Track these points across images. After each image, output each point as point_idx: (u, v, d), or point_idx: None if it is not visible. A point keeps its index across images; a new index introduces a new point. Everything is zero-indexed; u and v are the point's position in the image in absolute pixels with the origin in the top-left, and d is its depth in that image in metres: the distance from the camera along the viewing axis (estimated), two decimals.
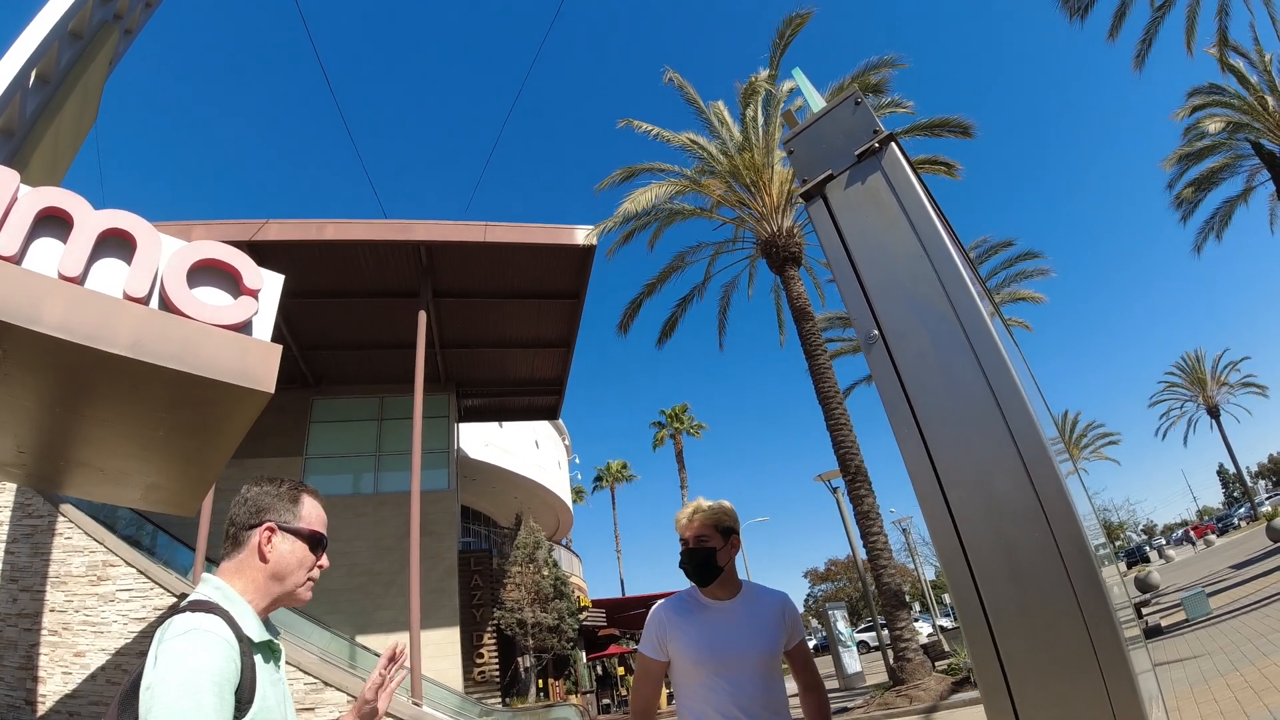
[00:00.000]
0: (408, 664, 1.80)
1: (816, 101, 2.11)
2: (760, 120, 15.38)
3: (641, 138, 15.50)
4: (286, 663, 1.47)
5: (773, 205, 15.27)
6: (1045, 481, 1.23)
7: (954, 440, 1.28)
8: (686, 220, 16.37)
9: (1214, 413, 46.37)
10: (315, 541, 1.52)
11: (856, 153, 1.69)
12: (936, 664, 14.22)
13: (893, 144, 1.72)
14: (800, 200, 15.46)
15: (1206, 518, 59.70)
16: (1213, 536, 42.09)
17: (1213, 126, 18.84)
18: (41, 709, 8.43)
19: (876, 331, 1.40)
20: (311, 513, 1.54)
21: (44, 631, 8.87)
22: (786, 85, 15.15)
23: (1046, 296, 23.46)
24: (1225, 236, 21.69)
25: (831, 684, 18.09)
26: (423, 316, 13.10)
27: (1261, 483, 67.13)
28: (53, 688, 8.57)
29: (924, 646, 15.14)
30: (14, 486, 9.56)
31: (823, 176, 1.67)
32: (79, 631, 8.83)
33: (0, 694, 8.52)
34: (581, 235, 13.91)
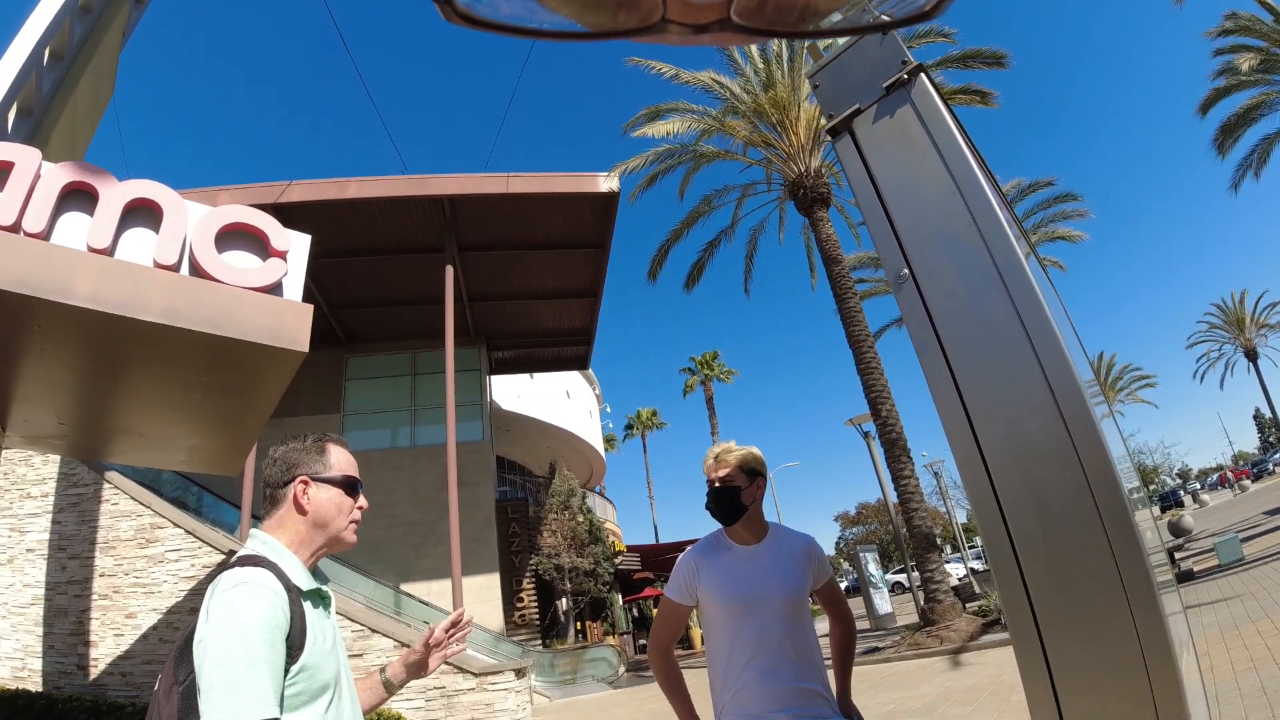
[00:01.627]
0: (469, 632, 1.86)
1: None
2: (785, 55, 14.87)
3: (664, 84, 15.12)
4: (335, 611, 1.53)
5: (800, 144, 14.87)
6: (1079, 423, 1.20)
7: (986, 380, 1.24)
8: (713, 163, 16.04)
9: (1251, 356, 44.95)
10: (349, 485, 1.56)
11: (884, 85, 1.62)
12: (967, 605, 14.32)
13: (922, 75, 1.64)
14: (828, 141, 15.04)
15: (1242, 463, 58.32)
16: (1247, 481, 41.21)
17: (1245, 65, 17.80)
18: (94, 672, 8.83)
19: (906, 270, 1.36)
20: (340, 459, 1.58)
21: (94, 596, 9.22)
22: None
23: (1087, 234, 22.64)
24: (1264, 175, 20.67)
25: (863, 624, 18.39)
26: (449, 271, 13.16)
27: None
28: (105, 650, 8.96)
29: (955, 588, 15.26)
30: (58, 458, 9.86)
31: (849, 111, 1.60)
32: (129, 594, 9.18)
33: (51, 661, 8.94)
34: (604, 182, 13.72)
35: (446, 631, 1.80)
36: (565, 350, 20.80)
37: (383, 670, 1.78)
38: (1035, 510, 1.17)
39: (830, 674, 2.19)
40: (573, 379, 28.83)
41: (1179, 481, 55.32)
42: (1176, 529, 18.72)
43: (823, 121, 14.90)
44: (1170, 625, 1.12)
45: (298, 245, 5.19)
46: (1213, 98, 19.31)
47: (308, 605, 1.39)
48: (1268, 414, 56.49)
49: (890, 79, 1.62)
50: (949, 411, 1.25)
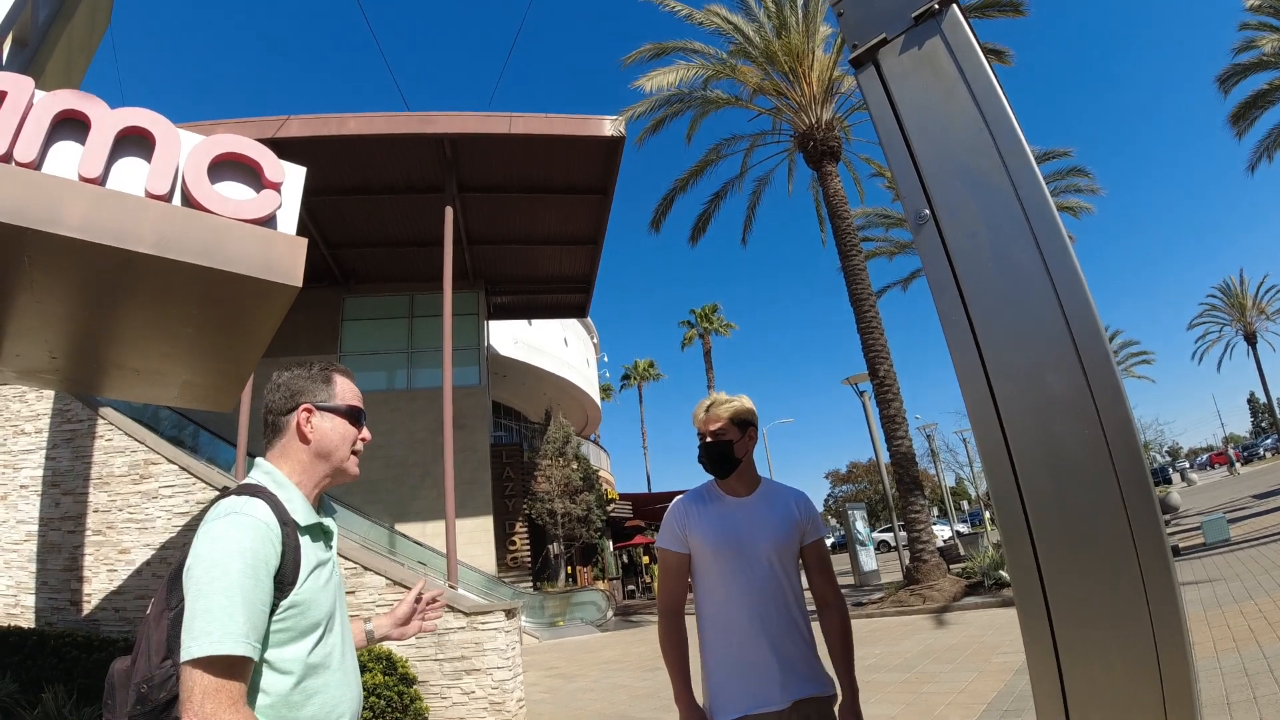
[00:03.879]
0: (442, 610, 1.88)
1: None
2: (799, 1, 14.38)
3: (672, 22, 14.66)
4: None
5: (812, 95, 14.50)
6: (1101, 377, 1.14)
7: (1005, 328, 1.18)
8: (721, 110, 15.67)
9: (1251, 339, 44.88)
10: (354, 415, 1.53)
11: (914, 15, 1.51)
12: (951, 567, 14.58)
13: (954, 6, 1.53)
14: (840, 92, 14.67)
15: (1233, 445, 58.76)
16: (1238, 465, 41.58)
17: (1268, 47, 17.27)
18: (87, 607, 8.91)
19: (928, 210, 1.27)
20: (345, 389, 1.54)
21: (88, 532, 9.24)
22: None
23: (1093, 207, 22.38)
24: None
25: (848, 580, 18.76)
26: (449, 212, 12.93)
27: None
28: (98, 586, 9.01)
29: (940, 549, 15.51)
30: (52, 394, 9.80)
31: (875, 40, 1.49)
32: (123, 529, 9.20)
33: (44, 598, 9.00)
34: (609, 125, 13.40)
35: (416, 605, 1.82)
36: (564, 298, 20.67)
37: (368, 620, 1.79)
38: (1049, 466, 1.12)
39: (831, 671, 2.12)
40: (571, 326, 28.77)
41: (1168, 459, 55.81)
42: (1164, 506, 18.97)
43: (835, 73, 14.51)
44: (1180, 594, 1.08)
45: (293, 177, 5.05)
46: (1232, 73, 18.83)
47: (305, 540, 1.36)
48: (1262, 399, 56.74)
49: (920, 8, 1.50)
50: (964, 359, 1.18)
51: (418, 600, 1.83)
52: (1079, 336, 1.14)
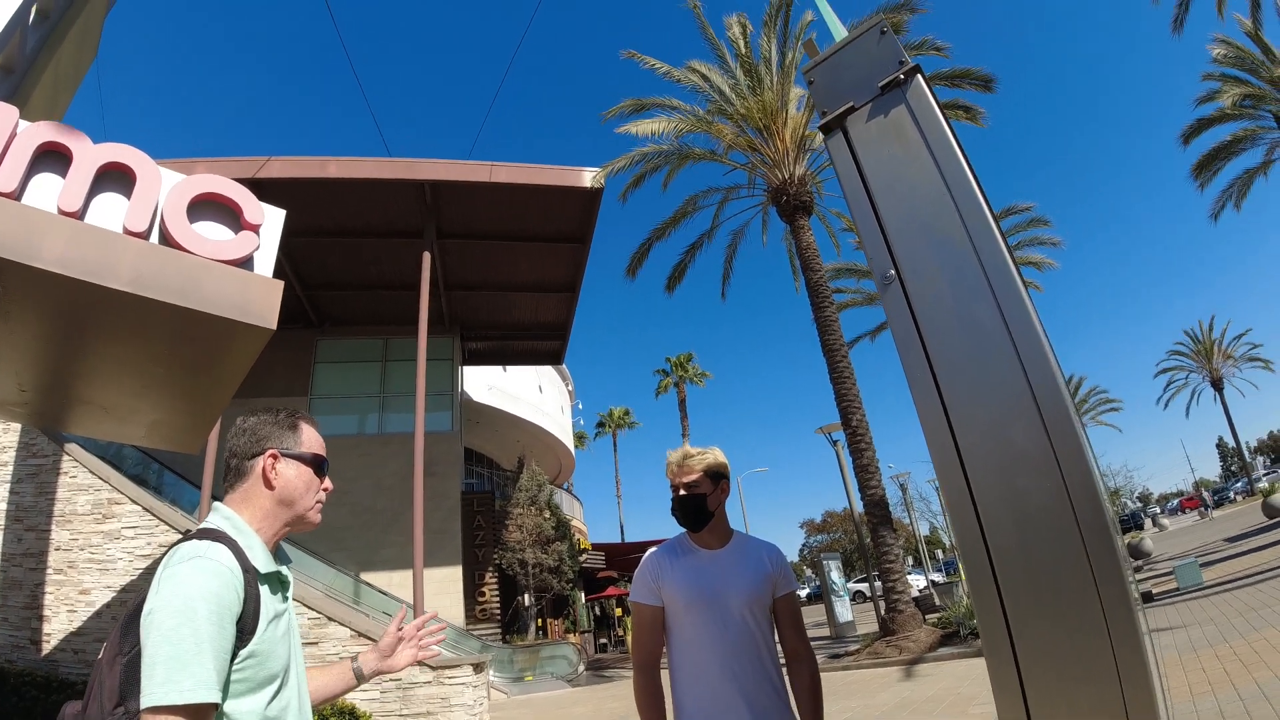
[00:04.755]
0: (444, 631, 1.83)
1: (839, 31, 2.00)
2: (774, 59, 14.93)
3: (652, 79, 15.12)
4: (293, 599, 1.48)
5: (785, 151, 14.94)
6: (1061, 431, 1.19)
7: (968, 384, 1.23)
8: (698, 163, 16.05)
9: (1218, 385, 46.10)
10: (318, 464, 1.53)
11: (880, 84, 1.60)
12: (927, 617, 14.52)
13: (918, 76, 1.62)
14: (813, 149, 15.14)
15: (1204, 490, 59.99)
16: (1205, 509, 42.30)
17: (1228, 101, 18.29)
18: (47, 647, 8.59)
19: (893, 271, 1.33)
20: (311, 438, 1.54)
21: (49, 570, 8.98)
22: (806, 18, 14.63)
23: (1057, 262, 23.15)
24: (1245, 206, 21.25)
25: (823, 632, 18.53)
26: (427, 257, 12.99)
27: (1260, 458, 66.71)
28: (58, 626, 8.72)
29: (915, 599, 15.45)
30: (19, 426, 9.57)
31: (844, 108, 1.58)
32: (84, 569, 8.94)
33: (4, 634, 8.68)
34: (589, 177, 13.65)
35: (418, 630, 1.77)
36: (540, 344, 20.67)
37: (354, 659, 1.73)
38: (1013, 517, 1.16)
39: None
40: (546, 373, 28.70)
41: (1140, 505, 56.62)
42: (1135, 551, 19.14)
43: (808, 131, 15.00)
44: (1147, 642, 1.11)
45: (271, 219, 5.06)
46: (1195, 129, 19.76)
47: (265, 589, 1.34)
48: (1230, 443, 58.02)
49: (886, 78, 1.60)
50: (930, 415, 1.23)
51: (400, 629, 1.78)
52: (1039, 392, 1.19)
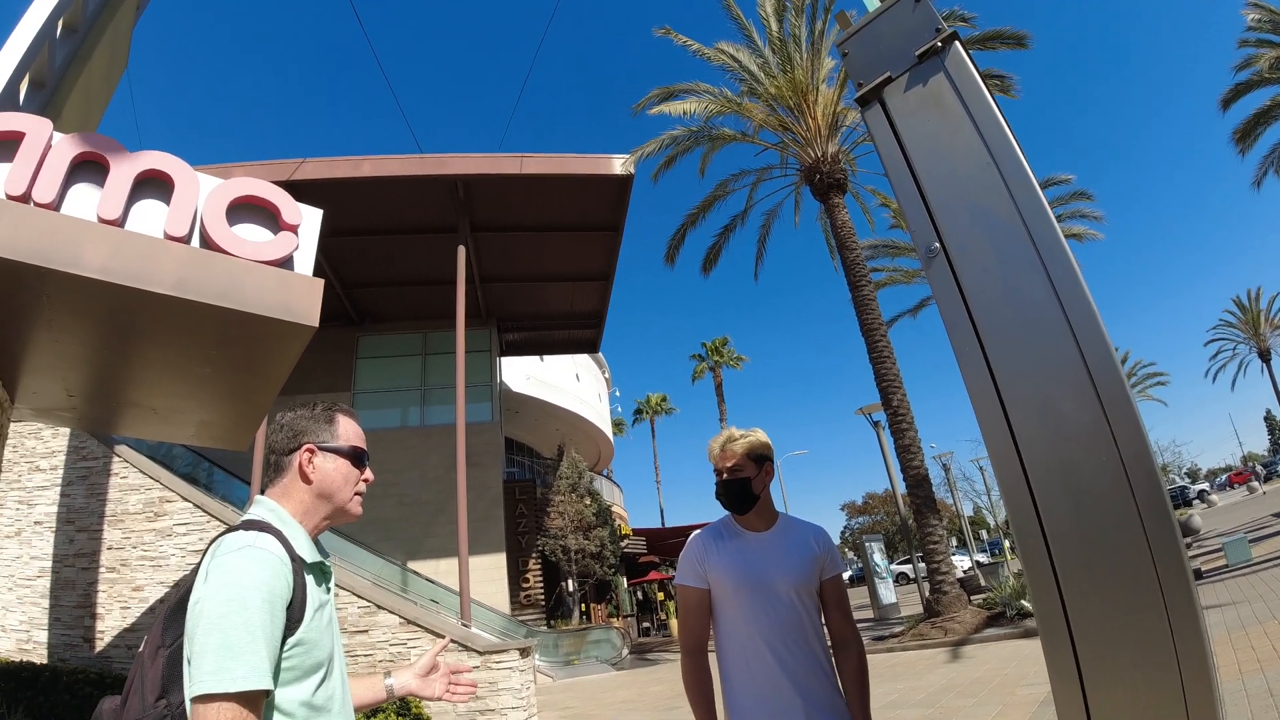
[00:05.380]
0: (474, 690, 1.83)
1: (871, 1, 1.95)
2: (804, 36, 14.65)
3: (682, 64, 15.02)
4: (342, 587, 1.50)
5: (817, 129, 14.69)
6: (1116, 406, 1.14)
7: (1020, 360, 1.19)
8: (729, 145, 15.88)
9: (1265, 356, 44.23)
10: (356, 456, 1.53)
11: (917, 53, 1.55)
12: (972, 598, 14.30)
13: (956, 43, 1.57)
14: (845, 125, 14.86)
15: (1251, 464, 57.66)
16: (1255, 484, 40.76)
17: (1265, 65, 17.43)
18: (100, 644, 8.90)
19: (938, 244, 1.30)
20: (348, 430, 1.54)
21: (102, 569, 9.26)
22: None
23: (1101, 234, 22.36)
24: None
25: (867, 614, 18.39)
26: (462, 251, 13.11)
27: None
28: (111, 623, 9.02)
29: (960, 580, 15.22)
30: (68, 431, 9.86)
31: (880, 79, 1.53)
32: (137, 567, 9.23)
33: (58, 634, 9.00)
34: (619, 164, 13.60)
35: (452, 670, 1.76)
36: (576, 333, 20.77)
37: (388, 674, 1.73)
38: (1068, 496, 1.12)
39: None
40: (583, 362, 28.84)
41: (1188, 481, 54.79)
42: (1185, 528, 18.58)
43: (840, 107, 14.71)
44: (1204, 619, 1.07)
45: (309, 219, 5.14)
46: (1234, 93, 18.95)
47: (310, 579, 1.35)
48: (1279, 416, 55.72)
49: (923, 46, 1.55)
50: (981, 393, 1.19)
51: (437, 658, 1.77)
52: (1093, 366, 1.15)
